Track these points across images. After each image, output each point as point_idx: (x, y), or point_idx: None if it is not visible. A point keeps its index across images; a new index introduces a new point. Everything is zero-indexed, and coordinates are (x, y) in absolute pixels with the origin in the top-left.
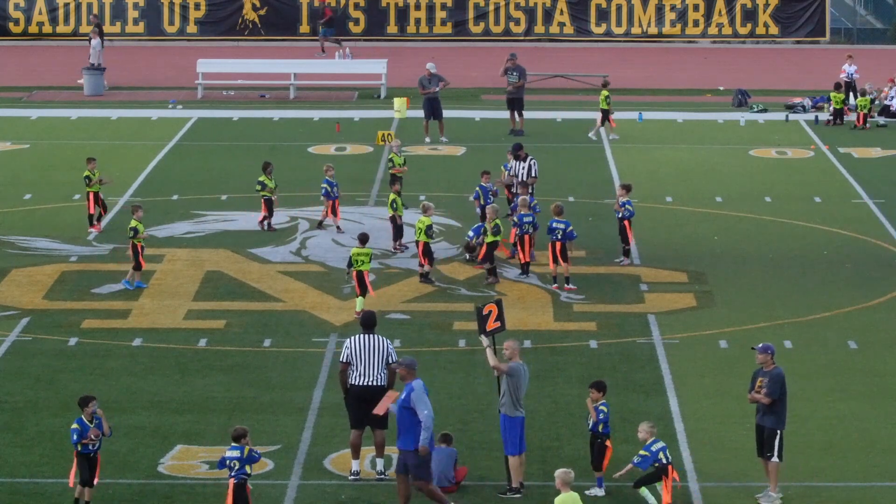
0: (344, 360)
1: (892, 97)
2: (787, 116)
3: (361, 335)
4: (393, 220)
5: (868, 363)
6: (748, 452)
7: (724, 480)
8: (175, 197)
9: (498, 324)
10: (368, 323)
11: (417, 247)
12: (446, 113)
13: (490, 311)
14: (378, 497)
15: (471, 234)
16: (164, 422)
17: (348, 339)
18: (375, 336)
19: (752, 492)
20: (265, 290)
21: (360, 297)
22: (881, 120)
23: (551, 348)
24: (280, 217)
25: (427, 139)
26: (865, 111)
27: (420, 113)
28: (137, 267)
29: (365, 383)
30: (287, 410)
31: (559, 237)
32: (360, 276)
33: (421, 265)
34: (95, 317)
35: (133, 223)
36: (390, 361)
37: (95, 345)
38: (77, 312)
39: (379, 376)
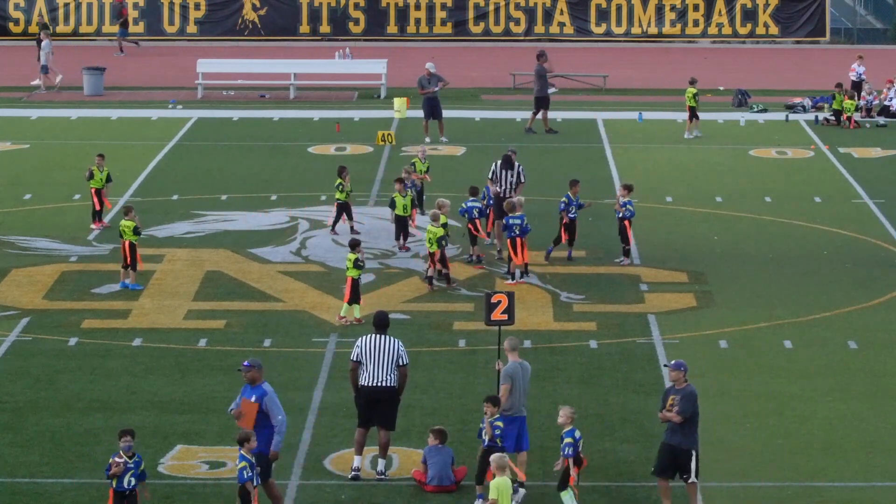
0: (354, 360)
1: (892, 97)
2: (787, 116)
3: (373, 335)
4: (398, 219)
5: (868, 363)
6: (748, 452)
7: (724, 480)
8: (175, 197)
9: (505, 316)
10: (381, 323)
11: (433, 256)
12: (446, 113)
13: (499, 301)
14: (378, 497)
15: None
16: (163, 422)
17: (359, 339)
18: (387, 337)
19: (752, 492)
20: (265, 290)
21: (346, 304)
22: (881, 120)
23: (551, 348)
24: (280, 217)
25: (427, 139)
26: (849, 114)
27: (420, 113)
28: (135, 267)
29: (374, 384)
30: (287, 410)
31: (517, 233)
32: (352, 282)
33: (438, 270)
34: (95, 317)
35: (132, 223)
36: (401, 363)
37: (95, 345)
38: (77, 312)
39: (389, 377)
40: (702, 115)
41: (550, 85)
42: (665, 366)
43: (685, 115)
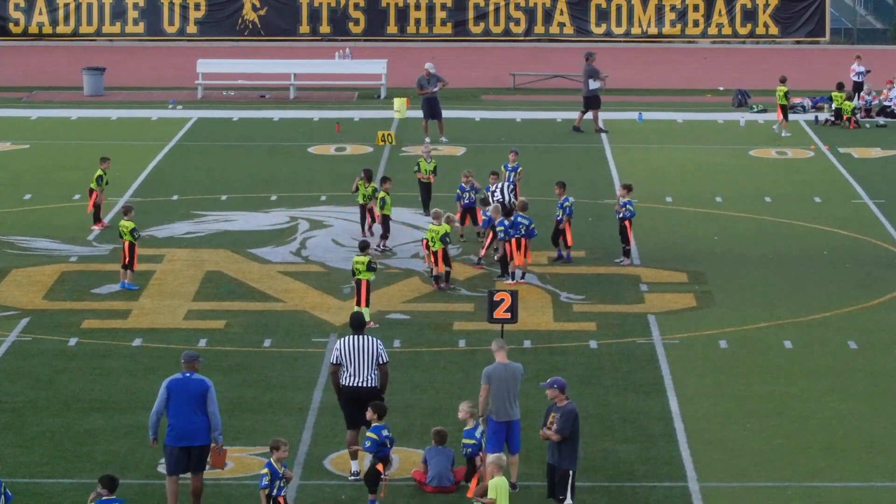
0: (335, 362)
1: (892, 98)
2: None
3: (351, 336)
4: (384, 218)
5: (868, 363)
6: (748, 452)
7: (723, 480)
8: (175, 197)
9: (508, 315)
10: (359, 324)
11: (437, 255)
12: (446, 113)
13: (502, 300)
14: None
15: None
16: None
17: (339, 341)
18: (365, 337)
19: (751, 492)
20: (265, 291)
21: (365, 308)
22: (881, 120)
23: (551, 348)
24: (280, 217)
25: (427, 139)
26: (848, 115)
27: (420, 113)
28: (131, 267)
29: (356, 384)
30: (287, 410)
31: (522, 233)
32: (360, 285)
33: (437, 269)
34: (95, 317)
35: (131, 224)
36: (381, 362)
37: (95, 345)
38: (77, 312)
39: (369, 377)
40: (702, 116)
41: (597, 82)
42: (540, 385)
43: (682, 116)
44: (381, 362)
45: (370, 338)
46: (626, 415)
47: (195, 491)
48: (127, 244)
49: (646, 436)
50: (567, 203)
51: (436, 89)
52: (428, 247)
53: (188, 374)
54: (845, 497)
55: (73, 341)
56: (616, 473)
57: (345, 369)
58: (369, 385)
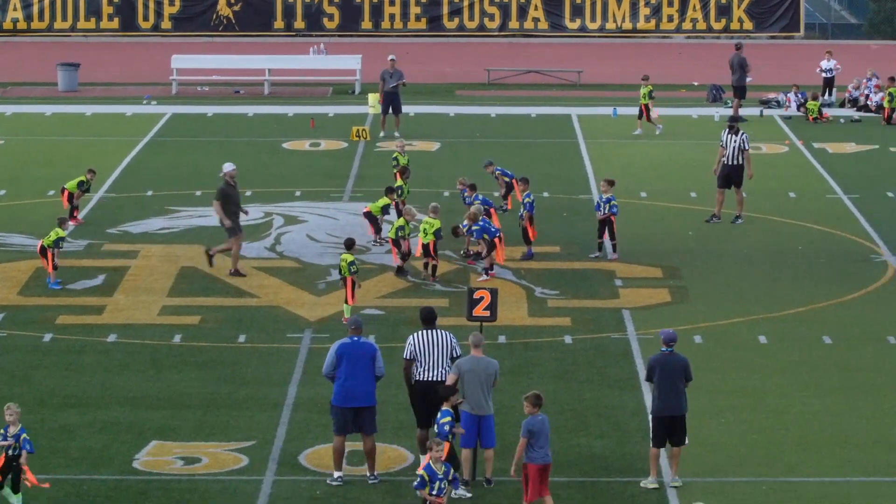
0: (408, 357)
1: (868, 93)
2: (761, 112)
3: (423, 331)
4: (397, 206)
5: (842, 358)
6: (723, 448)
7: (698, 476)
8: (149, 193)
9: (487, 313)
10: (430, 318)
11: (427, 247)
12: (420, 108)
13: (482, 297)
14: (352, 493)
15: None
16: (138, 417)
17: (410, 336)
18: (438, 331)
19: (726, 487)
20: (240, 286)
21: (348, 306)
22: (855, 115)
23: (525, 344)
24: (254, 213)
25: (382, 133)
26: (814, 115)
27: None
28: (55, 267)
29: (430, 378)
30: (262, 406)
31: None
32: (346, 283)
33: (428, 261)
34: (70, 313)
35: (62, 233)
36: (454, 355)
37: (70, 341)
38: (51, 308)
39: (444, 371)
40: (677, 111)
41: (747, 75)
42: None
43: (657, 111)
44: (454, 356)
45: (443, 332)
46: (600, 410)
47: (368, 451)
48: (51, 251)
49: (620, 431)
50: (528, 199)
51: (395, 85)
52: (395, 243)
53: (356, 339)
54: (820, 492)
55: (47, 337)
56: (590, 469)
57: (418, 364)
58: (443, 379)
